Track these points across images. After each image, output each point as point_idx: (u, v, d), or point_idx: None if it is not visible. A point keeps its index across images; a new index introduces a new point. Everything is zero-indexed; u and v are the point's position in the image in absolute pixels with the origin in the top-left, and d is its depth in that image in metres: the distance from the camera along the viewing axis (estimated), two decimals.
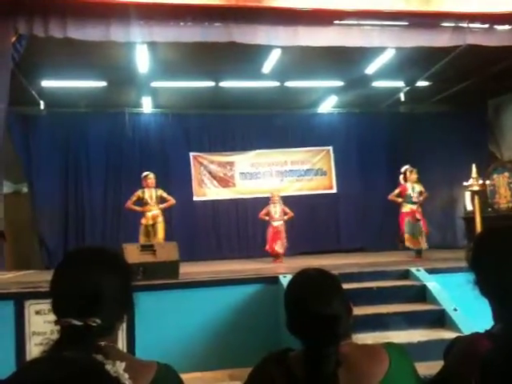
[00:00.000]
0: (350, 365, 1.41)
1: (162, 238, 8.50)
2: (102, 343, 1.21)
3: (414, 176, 8.51)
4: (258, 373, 1.53)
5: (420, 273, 6.12)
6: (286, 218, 9.59)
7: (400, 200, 8.50)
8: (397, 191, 8.60)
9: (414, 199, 8.40)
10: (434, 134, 11.46)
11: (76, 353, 1.02)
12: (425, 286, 5.87)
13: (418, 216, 8.39)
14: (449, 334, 5.00)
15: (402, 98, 11.01)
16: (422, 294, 5.85)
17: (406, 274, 6.25)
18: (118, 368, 1.11)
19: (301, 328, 1.48)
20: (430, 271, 6.18)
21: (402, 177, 8.68)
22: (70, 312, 1.21)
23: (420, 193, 8.50)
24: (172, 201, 8.87)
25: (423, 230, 8.36)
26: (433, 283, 5.87)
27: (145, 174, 8.83)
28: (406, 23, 7.03)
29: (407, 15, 6.92)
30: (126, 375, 1.14)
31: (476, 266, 1.52)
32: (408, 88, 10.64)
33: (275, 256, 9.40)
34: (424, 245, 8.35)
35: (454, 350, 1.53)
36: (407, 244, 8.43)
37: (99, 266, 1.31)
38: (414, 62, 8.77)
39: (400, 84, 10.61)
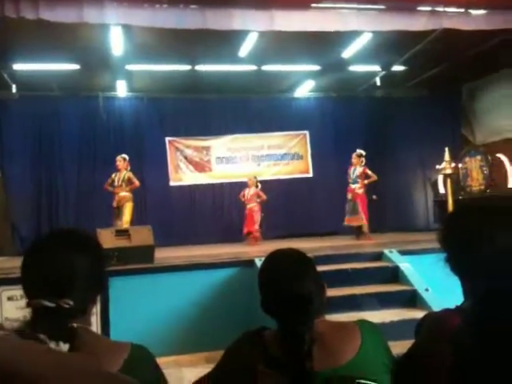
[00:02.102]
0: (324, 342, 1.43)
1: (128, 221, 8.81)
2: (75, 325, 1.20)
3: (357, 160, 9.56)
4: (234, 352, 1.54)
5: (393, 254, 6.23)
6: (258, 200, 10.16)
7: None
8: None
9: (350, 180, 9.55)
10: (410, 118, 11.61)
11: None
12: (397, 267, 5.99)
13: (353, 196, 9.40)
14: (420, 314, 5.02)
15: (378, 83, 11.06)
16: (394, 275, 5.97)
17: (380, 256, 6.36)
18: (62, 348, 1.09)
19: (274, 307, 1.49)
20: (403, 253, 6.31)
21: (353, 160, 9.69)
22: (42, 294, 1.20)
23: (363, 176, 9.47)
24: (136, 183, 9.25)
25: (359, 208, 9.30)
26: (405, 264, 5.99)
27: (118, 157, 9.28)
28: (383, 7, 7.04)
29: None
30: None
31: (447, 244, 1.55)
32: (384, 72, 10.70)
33: (250, 237, 10.00)
34: (357, 224, 9.35)
35: (424, 327, 1.56)
36: (346, 223, 9.52)
37: (70, 247, 1.30)
38: (390, 46, 8.80)
39: (376, 68, 10.66)
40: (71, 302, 1.20)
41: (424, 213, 11.98)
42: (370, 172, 9.53)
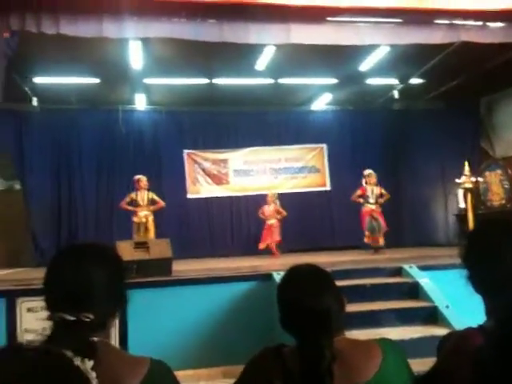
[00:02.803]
0: (344, 360, 1.41)
1: (153, 235, 9.15)
2: (95, 339, 1.21)
3: (373, 179, 9.46)
4: (253, 367, 1.52)
5: (413, 270, 6.14)
6: (278, 216, 10.22)
7: (361, 200, 9.49)
8: (358, 193, 9.55)
9: (371, 200, 9.41)
10: (428, 131, 11.52)
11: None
12: (417, 282, 5.89)
13: (376, 215, 9.39)
14: (441, 331, 5.03)
15: (396, 96, 11.02)
16: (414, 290, 5.87)
17: (399, 271, 6.27)
18: (87, 365, 1.09)
19: (294, 324, 1.48)
20: (423, 268, 6.20)
21: (363, 180, 9.59)
22: (63, 307, 1.20)
23: (380, 195, 9.46)
24: (161, 203, 9.50)
25: (382, 226, 9.34)
26: (425, 280, 5.90)
27: (137, 177, 9.43)
28: (400, 20, 7.03)
29: (401, 12, 6.89)
30: (94, 374, 1.13)
31: (469, 262, 1.52)
32: (402, 85, 10.67)
33: (270, 251, 10.08)
34: (381, 242, 9.33)
35: (446, 346, 1.53)
36: (366, 241, 9.48)
37: (89, 261, 1.31)
38: (407, 59, 8.78)
39: (394, 81, 10.63)
40: (91, 316, 1.21)
41: (444, 227, 11.81)
42: (384, 191, 9.59)
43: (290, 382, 1.38)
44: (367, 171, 9.59)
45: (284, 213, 10.26)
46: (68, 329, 1.18)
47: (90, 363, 1.09)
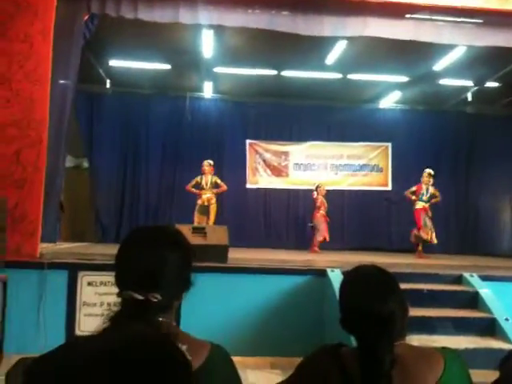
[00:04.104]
0: (404, 366, 1.39)
1: (213, 219, 9.51)
2: (161, 319, 1.24)
3: (429, 179, 9.63)
4: (310, 364, 1.52)
5: (473, 279, 5.93)
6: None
7: (414, 197, 9.67)
8: (414, 189, 9.72)
9: (425, 198, 9.59)
10: (501, 138, 11.04)
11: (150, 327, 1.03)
12: (477, 292, 5.69)
13: (426, 213, 9.52)
14: (498, 344, 4.87)
15: (469, 98, 10.62)
16: (473, 300, 5.68)
17: (459, 279, 6.08)
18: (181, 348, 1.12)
19: (355, 325, 1.46)
20: (484, 278, 5.99)
21: (422, 178, 9.74)
22: (133, 286, 1.24)
23: (433, 196, 9.61)
24: (224, 187, 9.78)
25: (430, 222, 9.47)
26: (486, 290, 5.70)
27: (205, 162, 9.74)
28: (481, 21, 6.76)
29: (482, 13, 6.64)
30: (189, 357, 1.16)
31: None
32: (476, 88, 10.26)
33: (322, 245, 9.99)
34: (434, 239, 9.44)
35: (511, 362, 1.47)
36: (422, 233, 9.49)
37: (163, 244, 1.34)
38: (484, 61, 8.43)
39: (468, 83, 10.25)
40: (159, 297, 1.24)
41: (509, 238, 11.33)
42: (437, 193, 9.68)
43: (347, 383, 1.37)
44: (427, 170, 9.71)
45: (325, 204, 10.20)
46: (136, 307, 1.22)
47: (183, 346, 1.13)
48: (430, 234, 9.45)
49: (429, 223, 9.48)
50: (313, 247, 9.87)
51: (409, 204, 10.25)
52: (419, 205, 9.58)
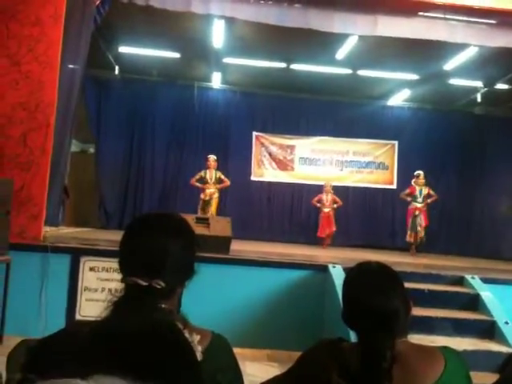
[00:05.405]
0: (404, 363, 1.38)
1: (215, 212, 9.55)
2: (163, 305, 1.24)
3: (422, 180, 9.94)
4: (310, 358, 1.52)
5: (475, 281, 5.92)
6: (335, 206, 10.46)
7: (409, 199, 9.99)
8: (407, 191, 10.07)
9: (419, 199, 9.88)
10: (508, 141, 10.97)
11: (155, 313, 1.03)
12: (478, 294, 5.68)
13: (419, 212, 9.83)
14: (497, 347, 4.86)
15: (479, 99, 10.55)
16: (474, 302, 5.67)
17: (461, 281, 6.06)
18: (194, 339, 1.14)
19: (357, 321, 1.46)
20: (486, 280, 5.97)
21: (413, 179, 10.05)
22: (136, 272, 1.24)
23: (427, 195, 9.90)
24: (227, 182, 9.90)
25: (422, 219, 9.77)
26: (487, 293, 5.67)
27: (209, 156, 9.82)
28: (494, 21, 6.71)
29: (496, 13, 6.58)
30: (200, 347, 1.18)
31: None
32: (486, 89, 10.19)
33: (323, 239, 10.34)
34: (421, 234, 9.76)
35: None
36: (408, 239, 9.89)
37: (166, 231, 1.34)
38: (495, 62, 8.37)
39: (478, 84, 10.18)
40: (162, 284, 1.24)
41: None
42: (432, 192, 9.96)
43: (346, 378, 1.36)
44: (417, 172, 10.01)
45: (340, 202, 10.49)
46: (139, 293, 1.22)
47: (197, 337, 1.13)
48: (412, 236, 9.78)
49: (419, 224, 9.76)
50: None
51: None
52: (412, 205, 9.91)
